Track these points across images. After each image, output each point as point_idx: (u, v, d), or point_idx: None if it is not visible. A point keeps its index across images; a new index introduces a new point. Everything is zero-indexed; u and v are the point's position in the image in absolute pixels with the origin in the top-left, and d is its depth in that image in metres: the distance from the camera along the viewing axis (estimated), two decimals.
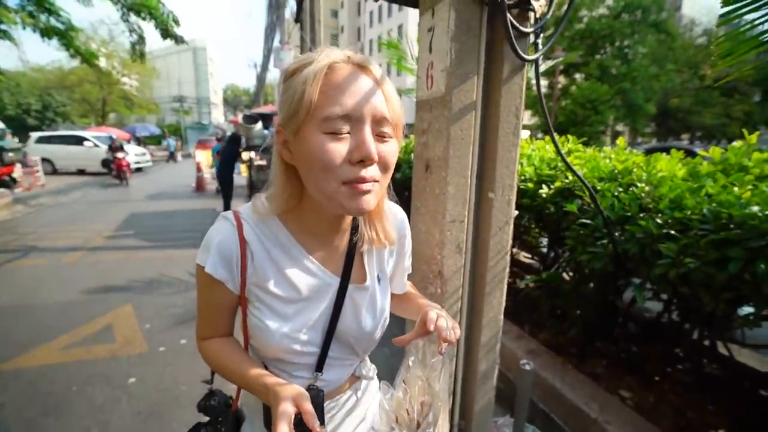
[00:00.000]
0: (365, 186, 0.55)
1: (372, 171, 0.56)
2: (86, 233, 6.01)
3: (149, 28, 7.61)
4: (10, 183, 9.18)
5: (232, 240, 0.63)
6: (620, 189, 1.79)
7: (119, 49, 29.38)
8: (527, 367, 1.43)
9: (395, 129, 0.59)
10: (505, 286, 1.27)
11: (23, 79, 28.87)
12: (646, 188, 1.65)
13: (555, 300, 2.21)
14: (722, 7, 1.39)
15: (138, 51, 7.97)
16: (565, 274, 2.32)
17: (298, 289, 0.65)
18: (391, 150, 0.58)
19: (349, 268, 0.69)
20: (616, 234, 1.62)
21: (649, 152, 2.47)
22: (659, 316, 1.95)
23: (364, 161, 0.54)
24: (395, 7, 38.12)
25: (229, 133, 8.76)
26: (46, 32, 7.07)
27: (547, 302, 2.25)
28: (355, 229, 0.70)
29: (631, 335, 2.11)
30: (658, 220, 1.47)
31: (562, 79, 23.51)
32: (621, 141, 2.21)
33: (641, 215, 1.58)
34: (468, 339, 1.25)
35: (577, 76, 24.52)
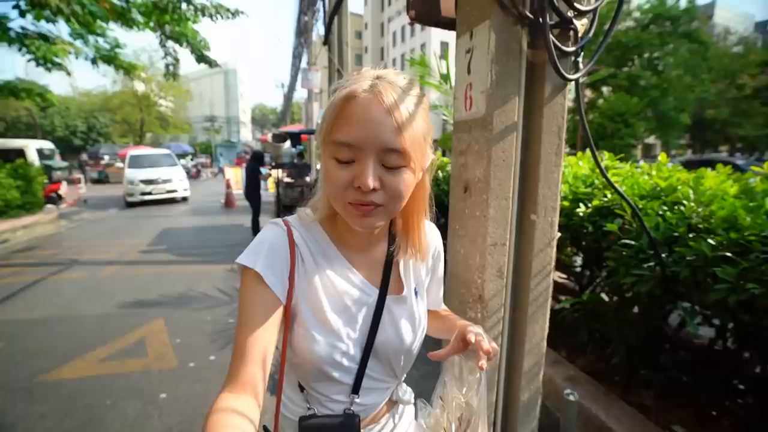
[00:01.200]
0: (366, 208, 0.58)
1: (374, 197, 0.57)
2: (123, 248, 6.27)
3: (185, 53, 8.06)
4: (56, 199, 9.74)
5: (282, 243, 0.64)
6: (665, 207, 1.70)
7: (158, 73, 31.15)
8: (571, 398, 1.35)
9: (408, 159, 0.58)
10: (548, 311, 1.21)
11: (72, 103, 31.04)
12: (696, 207, 1.56)
13: (594, 323, 2.11)
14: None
15: (172, 72, 8.43)
16: (603, 295, 2.21)
17: (341, 298, 0.66)
18: (402, 179, 0.58)
19: (387, 278, 0.70)
20: (663, 256, 1.53)
21: (686, 165, 2.35)
22: (712, 343, 1.81)
23: (362, 188, 0.56)
24: (417, 27, 38.83)
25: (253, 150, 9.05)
26: (95, 58, 7.59)
27: (586, 326, 2.14)
28: (392, 240, 0.72)
29: (680, 363, 1.97)
30: (711, 242, 1.38)
31: (588, 93, 23.07)
32: (663, 156, 2.11)
33: (690, 236, 1.49)
34: (509, 366, 1.19)
35: (604, 89, 23.99)
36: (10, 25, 6.63)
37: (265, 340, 0.58)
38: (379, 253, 0.72)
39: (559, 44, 1.01)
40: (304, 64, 11.46)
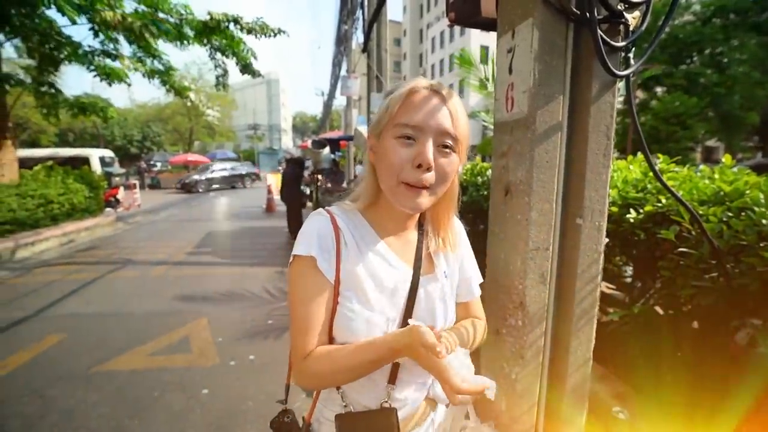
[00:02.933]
0: (418, 189, 0.66)
1: (428, 177, 0.65)
2: (171, 249, 6.65)
3: (230, 65, 8.53)
4: (114, 203, 10.53)
5: (328, 228, 0.70)
6: (729, 214, 1.55)
7: (206, 85, 33.04)
8: (621, 416, 1.25)
9: (458, 144, 0.68)
10: (595, 321, 1.13)
11: (130, 114, 33.61)
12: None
13: (647, 337, 1.95)
14: None
15: (222, 82, 8.93)
16: (657, 308, 2.05)
17: (381, 279, 0.71)
18: (451, 161, 0.68)
19: (419, 259, 0.75)
20: (728, 266, 1.39)
21: (755, 169, 2.14)
22: None
23: (422, 166, 0.64)
24: (456, 32, 38.55)
25: (293, 156, 9.32)
26: (151, 74, 8.21)
27: (637, 340, 1.99)
28: (423, 231, 0.79)
29: (751, 385, 1.78)
30: None
31: (639, 94, 21.74)
32: (727, 159, 1.94)
33: (762, 245, 1.34)
34: (552, 379, 1.13)
35: (658, 89, 22.50)
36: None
37: (322, 318, 0.68)
38: (413, 240, 0.78)
39: (608, 39, 0.96)
40: (343, 71, 11.70)
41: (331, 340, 0.70)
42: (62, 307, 4.01)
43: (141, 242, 7.36)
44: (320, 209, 0.75)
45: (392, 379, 0.70)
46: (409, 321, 0.63)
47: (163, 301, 4.13)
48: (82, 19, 6.25)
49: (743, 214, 1.51)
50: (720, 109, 20.26)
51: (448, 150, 0.67)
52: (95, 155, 12.08)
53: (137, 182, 12.97)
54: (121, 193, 10.98)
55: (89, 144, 25.54)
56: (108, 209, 9.93)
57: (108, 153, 13.66)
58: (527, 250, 1.00)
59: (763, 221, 1.41)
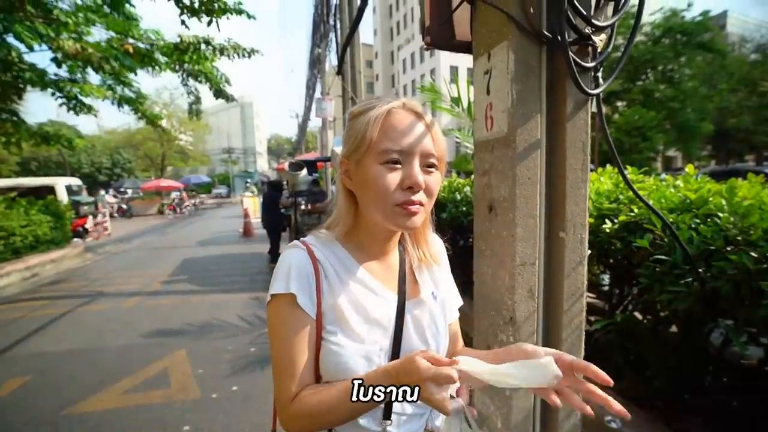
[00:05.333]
0: (413, 207, 0.65)
1: (419, 196, 0.66)
2: (145, 279, 6.39)
3: (203, 89, 8.45)
4: (82, 233, 10.08)
5: (305, 261, 0.68)
6: (697, 220, 1.64)
7: (178, 109, 32.60)
8: (614, 425, 1.27)
9: (440, 162, 0.69)
10: (583, 333, 1.16)
11: (98, 141, 32.63)
12: (732, 218, 1.49)
13: (630, 344, 2.00)
14: None
15: (195, 110, 8.82)
16: (636, 315, 2.11)
17: (365, 308, 0.68)
18: (436, 180, 0.69)
19: (403, 284, 0.73)
20: (701, 271, 1.46)
21: (711, 176, 2.28)
22: (761, 363, 1.69)
23: (413, 188, 0.65)
24: (426, 53, 39.78)
25: (271, 179, 9.24)
26: (121, 101, 8.04)
27: (620, 348, 2.03)
28: (403, 249, 0.78)
29: (727, 386, 1.84)
30: (753, 254, 1.31)
31: (603, 108, 22.93)
32: (690, 168, 2.05)
33: (728, 249, 1.42)
34: None
35: (619, 104, 23.83)
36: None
37: (306, 357, 0.65)
38: (395, 262, 0.77)
39: (578, 60, 1.01)
40: (317, 93, 11.82)
41: (317, 379, 0.67)
42: (26, 346, 3.75)
43: (112, 273, 7.04)
44: (295, 241, 0.73)
45: (387, 415, 0.66)
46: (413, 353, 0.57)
47: (137, 335, 3.93)
48: (44, 47, 6.09)
49: (709, 220, 1.59)
50: (675, 121, 21.64)
51: (432, 169, 0.68)
52: (61, 184, 11.58)
53: (107, 211, 12.49)
54: (89, 223, 10.54)
55: (54, 172, 24.55)
56: (76, 240, 9.49)
57: (75, 181, 13.13)
58: (515, 266, 1.02)
59: (729, 226, 1.49)
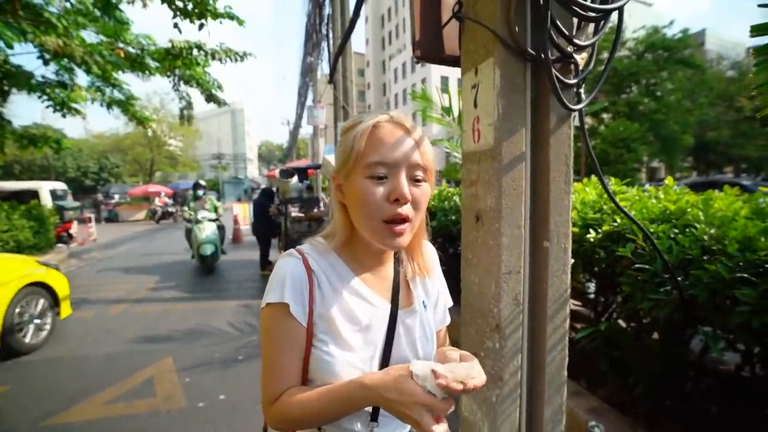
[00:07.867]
0: (400, 227, 0.66)
1: (406, 209, 0.66)
2: (131, 285, 6.28)
3: (194, 93, 8.42)
4: (67, 239, 9.87)
5: (300, 270, 0.69)
6: (676, 230, 1.70)
7: (168, 114, 32.33)
8: (597, 430, 1.30)
9: (427, 174, 0.69)
10: (567, 339, 1.19)
11: (85, 145, 32.13)
12: (708, 229, 1.55)
13: (614, 352, 2.05)
14: (751, 37, 1.37)
15: (186, 115, 8.77)
16: (620, 322, 2.16)
17: (358, 318, 0.69)
18: (424, 192, 0.69)
19: (396, 294, 0.75)
20: (679, 279, 1.51)
21: (692, 187, 2.36)
22: (739, 369, 1.75)
23: (399, 200, 0.65)
24: (418, 63, 40.20)
25: (263, 186, 9.21)
26: (110, 104, 7.95)
27: (605, 354, 2.08)
28: (398, 260, 0.80)
29: (706, 392, 1.89)
30: (728, 263, 1.36)
31: (588, 120, 23.49)
32: (669, 180, 2.13)
33: (705, 258, 1.47)
34: (531, 397, 1.16)
35: (605, 116, 24.44)
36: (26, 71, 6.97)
37: (294, 363, 0.67)
38: (389, 272, 0.78)
39: (561, 77, 1.06)
40: (309, 101, 11.86)
41: (305, 382, 0.69)
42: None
43: (97, 279, 6.91)
44: (292, 250, 0.73)
45: (374, 417, 0.68)
46: (412, 367, 0.57)
47: (122, 342, 3.86)
48: (26, 47, 6.00)
49: (687, 230, 1.65)
50: (659, 133, 22.28)
51: (419, 181, 0.68)
52: (45, 188, 11.36)
53: (92, 216, 12.27)
54: (74, 228, 10.33)
55: (38, 176, 24.06)
56: (60, 245, 9.30)
57: (60, 185, 12.88)
58: (500, 274, 1.05)
59: (705, 237, 1.55)
